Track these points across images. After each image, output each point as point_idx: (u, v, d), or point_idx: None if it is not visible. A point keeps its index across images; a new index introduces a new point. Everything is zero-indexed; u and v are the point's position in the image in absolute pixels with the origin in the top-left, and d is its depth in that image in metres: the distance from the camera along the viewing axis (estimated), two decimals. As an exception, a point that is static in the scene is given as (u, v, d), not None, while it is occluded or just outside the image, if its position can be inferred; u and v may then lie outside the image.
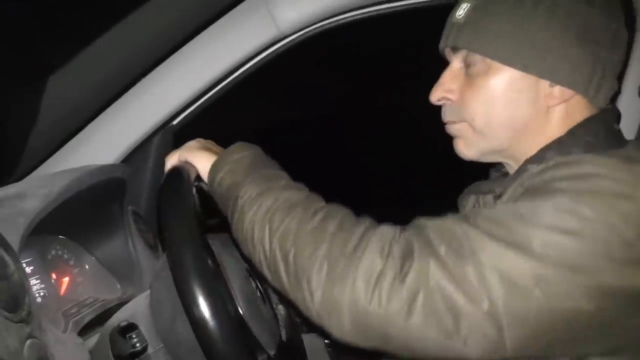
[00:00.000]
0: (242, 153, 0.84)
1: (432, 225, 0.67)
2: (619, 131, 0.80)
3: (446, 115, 0.82)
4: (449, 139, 0.84)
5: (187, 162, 0.86)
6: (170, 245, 0.72)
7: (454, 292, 0.62)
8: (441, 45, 0.82)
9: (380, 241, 0.66)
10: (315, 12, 1.12)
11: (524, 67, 0.74)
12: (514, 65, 0.75)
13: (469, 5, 0.77)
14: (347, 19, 1.15)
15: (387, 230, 0.68)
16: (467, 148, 0.81)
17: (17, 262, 0.71)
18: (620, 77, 0.79)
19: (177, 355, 0.80)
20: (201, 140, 0.91)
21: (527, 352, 0.64)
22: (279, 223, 0.72)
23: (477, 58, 0.77)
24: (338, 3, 1.11)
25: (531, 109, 0.76)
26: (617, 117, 0.81)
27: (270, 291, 1.00)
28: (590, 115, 0.77)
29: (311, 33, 1.16)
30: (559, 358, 0.66)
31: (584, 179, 0.64)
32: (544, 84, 0.75)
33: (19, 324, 0.66)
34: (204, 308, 0.69)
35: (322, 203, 0.75)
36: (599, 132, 0.76)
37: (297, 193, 0.76)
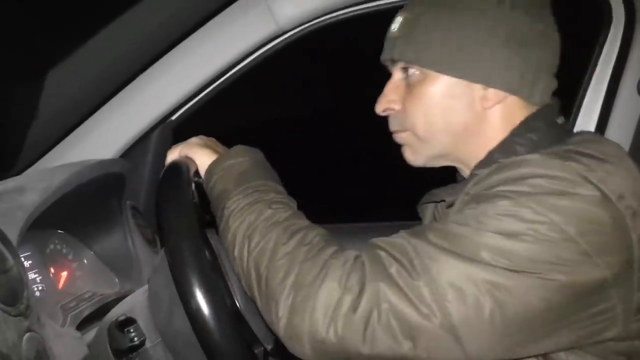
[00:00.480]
0: (238, 159, 0.83)
1: (384, 245, 0.69)
2: (562, 124, 0.82)
3: (392, 125, 0.85)
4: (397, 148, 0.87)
5: (187, 157, 0.86)
6: (168, 237, 0.72)
7: (407, 311, 0.64)
8: (382, 57, 0.85)
9: (339, 269, 0.68)
10: (314, 8, 1.12)
11: (457, 74, 0.77)
12: (446, 72, 0.78)
13: (402, 18, 0.80)
14: (346, 15, 1.15)
15: (348, 258, 0.69)
16: (414, 155, 0.84)
17: (15, 256, 0.71)
18: (618, 75, 0.80)
19: (175, 348, 0.80)
20: (203, 137, 0.91)
21: (490, 357, 0.66)
22: (256, 243, 0.74)
23: (413, 68, 0.80)
24: (337, -1, 1.11)
25: (468, 113, 0.79)
26: (558, 110, 0.82)
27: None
28: (530, 113, 0.79)
29: (310, 29, 1.16)
30: (525, 358, 0.68)
31: (522, 180, 0.66)
32: (478, 87, 0.78)
33: (18, 318, 0.67)
34: (200, 301, 0.69)
35: (303, 223, 0.76)
36: (541, 129, 0.78)
37: (280, 211, 0.77)
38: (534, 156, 0.68)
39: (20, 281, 0.70)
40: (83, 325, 0.93)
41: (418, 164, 0.85)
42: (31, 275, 0.95)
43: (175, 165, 0.83)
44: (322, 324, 0.66)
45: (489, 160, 0.77)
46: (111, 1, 1.09)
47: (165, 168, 0.83)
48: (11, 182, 0.92)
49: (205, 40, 1.12)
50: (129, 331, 0.80)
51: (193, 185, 0.83)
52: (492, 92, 0.77)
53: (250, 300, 0.84)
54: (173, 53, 1.12)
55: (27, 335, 0.67)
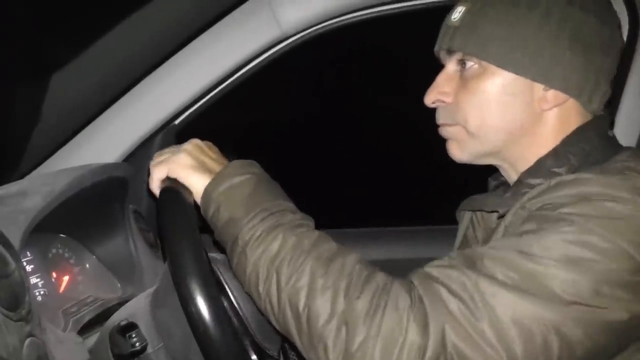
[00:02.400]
0: (237, 178, 0.75)
1: (440, 277, 0.64)
2: (613, 137, 0.81)
3: (440, 118, 0.82)
4: (442, 142, 0.84)
5: (177, 182, 0.79)
6: (172, 255, 0.72)
7: (472, 355, 0.60)
8: (436, 47, 0.82)
9: (395, 307, 0.63)
10: (318, 13, 1.12)
11: (518, 70, 0.75)
12: (507, 68, 0.75)
13: (464, 8, 0.78)
14: (350, 20, 1.15)
15: (400, 291, 0.64)
16: (460, 151, 0.81)
17: (18, 260, 0.71)
18: (622, 80, 0.80)
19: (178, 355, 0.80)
20: (193, 147, 0.81)
21: None
22: (288, 277, 0.67)
23: (471, 61, 0.77)
24: (341, 4, 1.11)
25: (525, 113, 0.77)
26: (610, 123, 0.81)
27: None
28: (584, 122, 0.77)
29: (314, 33, 1.16)
30: None
31: (588, 202, 0.64)
32: (538, 87, 0.76)
33: (19, 323, 0.66)
34: (203, 310, 0.69)
35: (333, 248, 0.70)
36: (593, 140, 0.76)
37: (305, 234, 0.71)
38: (597, 175, 0.66)
39: (22, 286, 0.70)
40: (84, 330, 0.92)
41: (463, 160, 0.82)
42: (33, 280, 0.95)
43: (170, 192, 0.78)
44: None
45: (540, 167, 0.75)
46: (115, 5, 1.09)
47: (160, 197, 0.79)
48: (14, 186, 0.92)
49: (209, 44, 1.12)
50: (130, 336, 0.79)
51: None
52: (552, 94, 0.75)
53: (252, 306, 0.84)
54: (177, 57, 1.12)
55: (28, 340, 0.67)
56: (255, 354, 0.82)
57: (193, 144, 0.82)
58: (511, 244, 0.65)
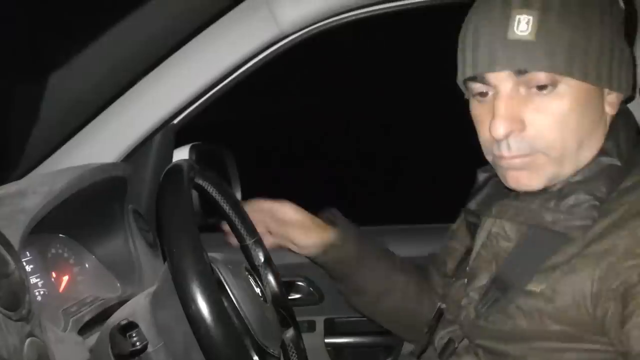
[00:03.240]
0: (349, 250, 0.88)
1: None
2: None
3: (513, 149, 0.73)
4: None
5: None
6: (171, 254, 0.72)
7: None
8: (498, 68, 0.71)
9: None
10: (316, 12, 1.12)
11: (600, 82, 0.71)
12: (587, 80, 0.69)
13: (531, 18, 0.68)
14: (349, 18, 1.15)
15: None
16: (537, 179, 0.75)
17: (17, 260, 0.71)
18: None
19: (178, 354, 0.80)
20: None
21: None
22: None
23: (541, 78, 0.69)
24: (339, 2, 1.11)
25: (595, 119, 0.73)
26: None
27: (270, 290, 1.00)
28: (616, 115, 0.76)
29: (312, 32, 1.16)
30: None
31: None
32: (606, 92, 0.73)
33: (19, 323, 0.66)
34: (203, 309, 0.69)
35: None
36: (631, 135, 0.75)
37: None
38: None
39: (22, 285, 0.70)
40: (84, 329, 0.92)
41: (536, 188, 0.75)
42: (33, 280, 0.95)
43: (175, 169, 0.81)
44: None
45: (593, 168, 0.73)
46: (113, 5, 1.09)
47: (164, 173, 0.81)
48: (13, 186, 0.92)
49: (207, 44, 1.12)
50: (131, 336, 0.79)
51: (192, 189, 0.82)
52: (615, 96, 0.73)
53: (252, 305, 0.84)
54: (175, 57, 1.12)
55: (28, 340, 0.67)
56: (256, 353, 0.82)
57: None
58: None
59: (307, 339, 1.11)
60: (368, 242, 1.12)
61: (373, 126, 3.69)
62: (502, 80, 0.71)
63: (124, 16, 1.04)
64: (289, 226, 1.08)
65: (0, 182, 0.97)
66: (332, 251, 1.07)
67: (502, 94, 0.71)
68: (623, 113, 0.77)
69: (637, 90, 0.95)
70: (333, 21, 1.15)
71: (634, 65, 0.76)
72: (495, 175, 0.87)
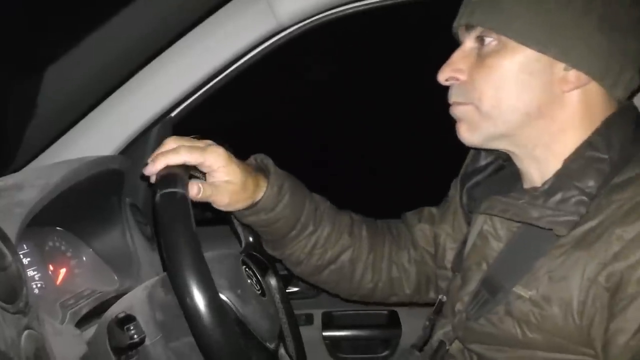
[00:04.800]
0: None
1: None
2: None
3: (452, 96, 0.78)
4: (452, 124, 0.80)
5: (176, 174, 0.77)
6: (167, 247, 0.72)
7: None
8: (455, 24, 0.79)
9: None
10: (314, 4, 1.12)
11: (541, 47, 0.71)
12: (530, 45, 0.71)
13: None
14: (347, 11, 1.14)
15: None
16: (471, 133, 0.78)
17: (14, 253, 0.71)
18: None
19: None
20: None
21: None
22: None
23: (491, 37, 0.74)
24: (337, -6, 1.10)
25: (543, 93, 0.73)
26: (638, 114, 0.78)
27: (269, 283, 1.00)
28: (611, 111, 0.74)
29: (310, 25, 1.15)
30: None
31: None
32: (559, 67, 0.72)
33: (17, 315, 0.66)
34: (199, 302, 0.69)
35: None
36: (627, 132, 0.73)
37: None
38: None
39: (19, 278, 0.70)
40: (82, 322, 0.92)
41: (473, 143, 0.79)
42: (30, 273, 0.95)
43: (169, 176, 0.79)
44: None
45: (580, 162, 0.71)
46: (109, -2, 1.08)
47: (158, 180, 0.79)
48: (9, 179, 0.92)
49: (205, 36, 1.11)
50: (128, 329, 0.79)
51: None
52: (573, 75, 0.72)
53: (247, 299, 0.84)
54: (173, 49, 1.11)
55: (26, 332, 0.67)
56: (252, 346, 0.82)
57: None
58: None
59: (305, 332, 1.11)
60: (306, 201, 0.95)
61: (369, 120, 3.68)
62: (464, 36, 0.78)
63: (120, 9, 1.04)
64: (214, 186, 0.86)
65: (-3, 175, 0.96)
66: (261, 214, 0.91)
67: (460, 47, 0.78)
68: (623, 108, 0.76)
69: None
70: (331, 13, 1.14)
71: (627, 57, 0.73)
72: (497, 164, 0.86)
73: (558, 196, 0.72)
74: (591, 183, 0.71)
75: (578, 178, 0.72)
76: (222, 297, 0.79)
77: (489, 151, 0.89)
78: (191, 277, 0.69)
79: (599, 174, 0.71)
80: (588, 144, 0.73)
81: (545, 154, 0.76)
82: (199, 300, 0.69)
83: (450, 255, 1.01)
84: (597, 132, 0.73)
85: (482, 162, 0.90)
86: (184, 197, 0.77)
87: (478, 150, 0.90)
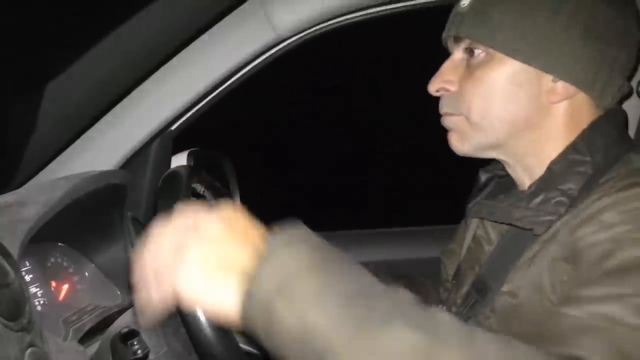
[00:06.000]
0: (290, 263, 0.47)
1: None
2: (627, 131, 0.79)
3: (443, 107, 0.80)
4: (444, 134, 0.81)
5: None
6: None
7: None
8: (444, 35, 0.80)
9: None
10: (312, 15, 1.12)
11: (527, 59, 0.73)
12: (516, 57, 0.73)
13: None
14: (345, 22, 1.15)
15: None
16: (462, 142, 0.79)
17: (17, 270, 0.71)
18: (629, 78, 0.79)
19: None
20: (211, 233, 0.50)
21: None
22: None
23: (479, 49, 0.75)
24: (335, 5, 1.11)
25: (532, 104, 0.74)
26: (625, 118, 0.79)
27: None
28: (600, 115, 0.75)
29: (309, 36, 1.16)
30: None
31: None
32: (547, 78, 0.73)
33: (20, 333, 0.66)
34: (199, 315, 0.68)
35: (459, 323, 0.49)
36: (611, 133, 0.74)
37: (412, 332, 0.45)
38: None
39: (22, 295, 0.69)
40: (85, 338, 0.92)
41: (464, 152, 0.79)
42: (32, 289, 0.95)
43: (173, 174, 0.81)
44: None
45: (563, 165, 0.72)
46: (109, 12, 1.09)
47: (162, 179, 0.81)
48: (11, 196, 0.92)
49: (203, 49, 1.12)
50: (132, 344, 0.79)
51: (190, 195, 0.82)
52: (561, 86, 0.73)
53: None
54: (172, 63, 1.12)
55: (29, 350, 0.66)
56: (250, 353, 0.81)
57: (211, 221, 0.51)
58: (617, 289, 0.59)
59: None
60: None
61: (372, 128, 3.69)
62: (453, 48, 0.79)
63: (119, 24, 1.04)
64: None
65: (-2, 192, 0.96)
66: None
67: (450, 58, 0.79)
68: (610, 112, 0.76)
69: (634, 88, 0.94)
70: (329, 25, 1.15)
71: (615, 68, 0.74)
72: (497, 176, 0.87)
73: (540, 198, 0.73)
74: (572, 185, 0.72)
75: (560, 180, 0.73)
76: None
77: (486, 167, 0.90)
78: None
79: (581, 176, 0.72)
80: (572, 148, 0.74)
81: (534, 161, 0.77)
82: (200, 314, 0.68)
83: (451, 269, 1.02)
84: (581, 136, 0.74)
85: (482, 180, 0.91)
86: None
87: (478, 171, 0.92)
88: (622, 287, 0.58)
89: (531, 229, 0.73)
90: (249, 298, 0.48)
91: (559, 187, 0.72)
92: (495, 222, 0.83)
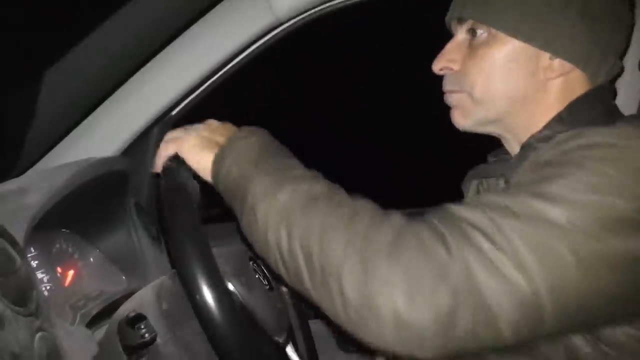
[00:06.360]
0: (249, 139, 0.76)
1: (461, 215, 0.62)
2: (616, 106, 0.83)
3: (447, 85, 0.84)
4: (447, 111, 0.85)
5: (182, 165, 0.80)
6: (175, 247, 0.72)
7: (495, 286, 0.58)
8: (447, 17, 0.84)
9: (417, 240, 0.60)
10: (311, -3, 1.11)
11: (527, 39, 0.77)
12: (517, 36, 0.77)
13: None
14: (344, 3, 1.14)
15: (422, 227, 0.61)
16: (464, 117, 0.83)
17: (23, 256, 0.71)
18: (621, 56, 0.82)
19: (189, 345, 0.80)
20: (206, 127, 0.82)
21: (565, 328, 0.63)
22: (299, 220, 0.64)
23: (481, 29, 0.80)
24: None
25: (530, 81, 0.79)
26: (614, 93, 0.83)
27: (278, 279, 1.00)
28: (587, 90, 0.79)
29: (308, 19, 1.15)
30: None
31: (598, 147, 0.63)
32: (544, 56, 0.78)
33: (29, 318, 0.67)
34: (208, 298, 0.69)
35: (345, 195, 0.68)
36: (597, 107, 0.78)
37: (316, 184, 0.68)
38: (609, 128, 0.65)
39: (29, 281, 0.70)
40: (92, 323, 0.93)
41: (466, 127, 0.84)
42: (39, 275, 0.95)
43: (173, 170, 0.79)
44: (407, 302, 0.57)
45: (546, 132, 0.77)
46: (106, -2, 1.08)
47: (163, 172, 0.80)
48: (13, 184, 0.92)
49: (202, 33, 1.11)
50: (139, 327, 0.79)
51: (193, 182, 0.82)
52: (557, 63, 0.77)
53: (255, 293, 0.84)
54: (170, 48, 1.11)
55: (38, 334, 0.67)
56: (262, 341, 0.82)
57: (207, 124, 0.84)
58: (526, 188, 0.63)
59: (315, 325, 1.11)
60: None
61: (374, 116, 3.68)
62: (456, 29, 0.83)
63: (117, 9, 1.03)
64: None
65: (0, 180, 0.96)
66: None
67: (453, 39, 0.83)
68: (598, 87, 0.80)
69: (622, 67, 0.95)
70: (328, 6, 1.14)
71: (611, 46, 0.78)
72: (504, 160, 0.88)
73: (518, 156, 0.79)
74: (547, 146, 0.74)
75: (538, 142, 0.77)
76: (229, 286, 0.80)
77: (493, 152, 0.93)
78: (198, 268, 0.70)
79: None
80: (558, 118, 0.78)
81: (528, 134, 0.80)
82: (207, 293, 0.69)
83: None
84: (567, 107, 0.78)
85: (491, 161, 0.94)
86: (190, 188, 0.78)
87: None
88: (511, 202, 0.62)
89: (502, 176, 0.80)
90: (217, 157, 0.77)
91: (534, 145, 0.77)
92: (478, 179, 0.90)
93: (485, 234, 0.60)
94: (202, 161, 0.78)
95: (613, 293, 0.61)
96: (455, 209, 0.64)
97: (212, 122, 0.84)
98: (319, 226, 0.63)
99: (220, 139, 0.80)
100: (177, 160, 0.81)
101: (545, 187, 0.62)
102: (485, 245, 0.59)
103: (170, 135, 0.84)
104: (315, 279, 0.62)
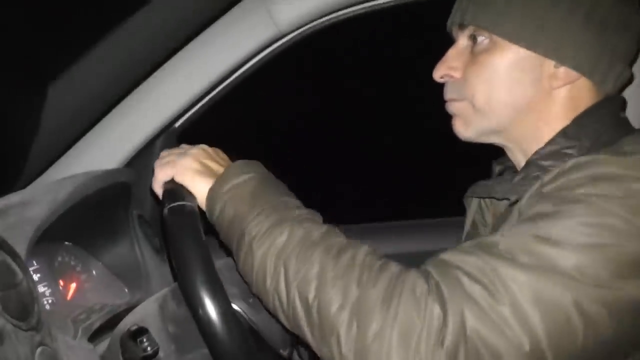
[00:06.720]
0: (243, 176, 0.75)
1: (457, 263, 0.62)
2: (625, 119, 0.79)
3: (447, 93, 0.81)
4: (448, 120, 0.82)
5: (181, 187, 0.80)
6: (178, 261, 0.72)
7: (494, 339, 0.57)
8: (448, 22, 0.81)
9: (412, 293, 0.60)
10: (313, 10, 1.12)
11: (530, 46, 0.74)
12: (520, 43, 0.74)
13: None
14: (347, 15, 1.14)
15: (417, 279, 0.61)
16: (465, 127, 0.80)
17: (25, 270, 0.71)
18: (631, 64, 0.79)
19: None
20: (200, 151, 0.83)
21: None
22: (296, 270, 0.65)
23: (483, 35, 0.76)
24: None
25: (534, 89, 0.75)
26: (623, 104, 0.79)
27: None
28: (596, 102, 0.76)
29: (310, 31, 1.15)
30: None
31: (606, 182, 0.61)
32: (549, 64, 0.74)
33: (30, 332, 0.66)
34: (211, 312, 0.69)
35: (342, 239, 0.68)
36: (605, 120, 0.74)
37: (312, 227, 0.69)
38: (609, 156, 0.63)
39: (31, 295, 0.70)
40: (94, 337, 0.92)
41: (468, 137, 0.81)
42: (40, 289, 0.95)
43: (174, 197, 0.78)
44: (403, 357, 0.57)
45: (550, 149, 0.73)
46: (110, 10, 1.09)
47: (166, 200, 0.78)
48: (17, 196, 0.92)
49: (206, 46, 1.12)
50: (141, 341, 0.79)
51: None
52: (563, 72, 0.74)
53: (260, 309, 0.83)
54: (174, 60, 1.12)
55: (39, 349, 0.66)
56: (267, 355, 0.81)
57: (200, 149, 0.84)
58: (527, 229, 0.62)
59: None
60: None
61: (378, 121, 3.68)
62: (457, 35, 0.80)
63: (121, 22, 1.04)
64: None
65: (3, 193, 0.96)
66: None
67: (454, 45, 0.81)
68: (606, 99, 0.77)
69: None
70: (331, 18, 1.14)
71: (617, 54, 0.75)
72: (510, 167, 0.87)
73: (522, 174, 0.75)
74: (553, 162, 0.73)
75: (543, 160, 0.74)
76: (234, 306, 0.79)
77: (499, 159, 0.91)
78: (203, 290, 0.69)
79: (564, 156, 0.73)
80: (562, 133, 0.75)
81: (533, 145, 0.78)
82: (212, 311, 0.69)
83: None
84: (574, 121, 0.75)
85: (496, 171, 0.92)
86: (192, 209, 0.77)
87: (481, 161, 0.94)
88: (513, 246, 0.61)
89: (507, 199, 0.76)
90: (212, 192, 0.77)
91: (539, 163, 0.74)
92: (480, 198, 0.87)
93: (484, 286, 0.59)
94: (198, 188, 0.79)
95: (615, 337, 0.60)
96: (452, 258, 0.63)
97: (204, 147, 0.85)
98: (316, 276, 0.64)
99: (216, 167, 0.81)
100: (174, 182, 0.81)
101: (550, 227, 0.60)
102: (483, 300, 0.58)
103: (165, 157, 0.84)
104: (314, 331, 0.64)
